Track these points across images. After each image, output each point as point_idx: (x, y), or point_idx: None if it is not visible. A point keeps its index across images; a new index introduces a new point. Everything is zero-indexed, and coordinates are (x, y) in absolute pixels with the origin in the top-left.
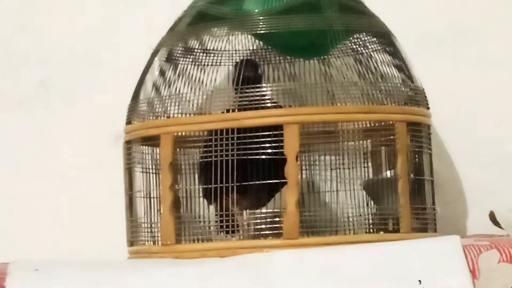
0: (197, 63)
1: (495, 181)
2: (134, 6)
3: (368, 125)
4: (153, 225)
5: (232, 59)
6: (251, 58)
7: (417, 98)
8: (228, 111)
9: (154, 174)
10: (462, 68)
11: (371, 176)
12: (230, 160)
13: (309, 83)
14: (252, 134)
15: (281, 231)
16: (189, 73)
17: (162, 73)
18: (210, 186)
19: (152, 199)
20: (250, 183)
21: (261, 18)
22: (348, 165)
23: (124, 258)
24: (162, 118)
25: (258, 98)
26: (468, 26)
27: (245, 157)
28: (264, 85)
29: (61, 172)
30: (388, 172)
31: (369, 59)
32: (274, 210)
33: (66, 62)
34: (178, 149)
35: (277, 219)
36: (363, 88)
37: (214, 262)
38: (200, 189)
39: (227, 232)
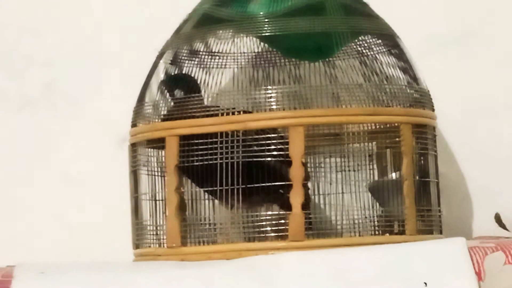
0: (202, 66)
1: (501, 183)
2: (140, 8)
3: (373, 127)
4: (158, 228)
5: (237, 62)
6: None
7: (423, 100)
8: (233, 113)
9: (159, 177)
10: (468, 70)
11: (376, 178)
12: (235, 163)
13: (314, 85)
14: (257, 136)
15: (286, 233)
16: (194, 75)
17: (165, 84)
18: (215, 188)
19: (157, 202)
20: (255, 185)
21: (266, 20)
22: (353, 167)
23: (129, 260)
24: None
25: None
26: (473, 27)
27: (250, 160)
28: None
29: (66, 175)
30: (394, 174)
31: (374, 61)
32: (280, 212)
33: (72, 64)
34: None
35: (282, 221)
36: (368, 90)
37: (220, 264)
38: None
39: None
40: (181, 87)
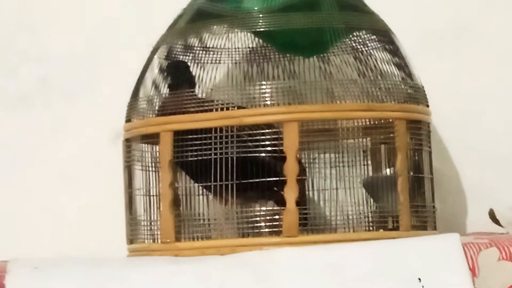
0: (196, 61)
1: (495, 179)
2: (134, 3)
3: (368, 123)
4: (152, 223)
5: (232, 57)
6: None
7: (417, 96)
8: (228, 108)
9: (153, 172)
10: (462, 66)
11: (370, 174)
12: (229, 158)
13: (309, 81)
14: (251, 132)
15: (280, 229)
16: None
17: (161, 70)
18: (209, 183)
19: (151, 197)
20: (249, 180)
21: (260, 15)
22: (347, 163)
23: (123, 256)
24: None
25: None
26: (469, 23)
27: (245, 155)
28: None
29: (60, 170)
30: (388, 170)
31: (369, 57)
32: (274, 208)
33: (66, 60)
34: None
35: (276, 216)
36: (362, 86)
37: (214, 260)
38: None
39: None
40: (174, 72)
